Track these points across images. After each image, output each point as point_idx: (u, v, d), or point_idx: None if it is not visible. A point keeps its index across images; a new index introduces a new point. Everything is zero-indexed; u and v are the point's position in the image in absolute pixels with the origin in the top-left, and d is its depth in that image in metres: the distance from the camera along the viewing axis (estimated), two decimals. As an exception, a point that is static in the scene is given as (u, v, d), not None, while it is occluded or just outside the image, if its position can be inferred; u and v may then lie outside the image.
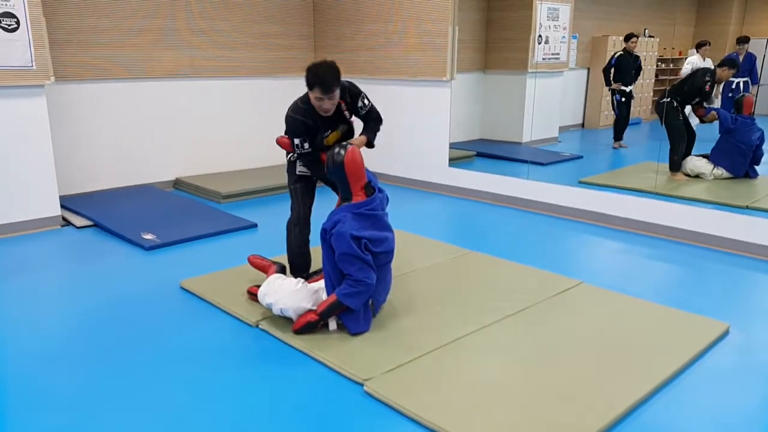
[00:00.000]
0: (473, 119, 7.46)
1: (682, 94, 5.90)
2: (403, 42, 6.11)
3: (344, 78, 3.25)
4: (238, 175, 6.38)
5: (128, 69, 5.70)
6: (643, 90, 8.15)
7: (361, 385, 2.56)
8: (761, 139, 5.73)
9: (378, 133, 3.47)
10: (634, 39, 7.30)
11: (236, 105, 6.56)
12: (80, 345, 2.95)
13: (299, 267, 3.52)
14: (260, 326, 3.09)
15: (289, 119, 3.27)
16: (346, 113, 3.36)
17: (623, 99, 7.36)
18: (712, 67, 5.93)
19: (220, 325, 3.15)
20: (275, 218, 5.08)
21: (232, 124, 6.56)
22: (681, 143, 5.86)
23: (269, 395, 2.52)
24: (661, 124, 6.17)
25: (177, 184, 6.15)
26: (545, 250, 4.44)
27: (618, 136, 7.45)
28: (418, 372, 2.64)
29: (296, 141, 3.25)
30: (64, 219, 4.86)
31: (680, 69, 7.10)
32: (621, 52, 7.39)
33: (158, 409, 2.41)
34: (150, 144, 5.96)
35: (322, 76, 3.05)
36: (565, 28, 7.43)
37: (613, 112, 7.53)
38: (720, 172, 5.80)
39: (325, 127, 3.30)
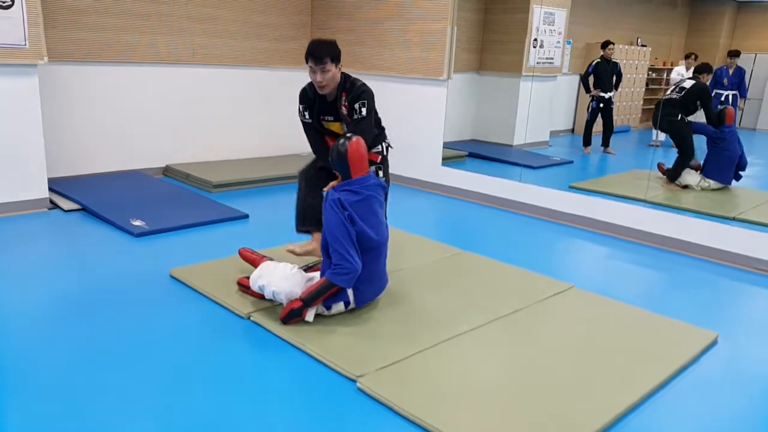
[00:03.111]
0: (465, 119, 7.48)
1: (687, 108, 5.96)
2: (402, 39, 6.09)
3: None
4: (229, 164, 6.33)
5: (123, 52, 5.63)
6: (633, 98, 8.22)
7: (354, 381, 2.55)
8: (742, 147, 5.88)
9: None
10: (611, 46, 7.38)
11: (230, 94, 6.50)
12: (67, 331, 2.90)
13: (309, 221, 3.65)
14: (252, 318, 3.06)
15: (301, 89, 3.52)
16: (343, 108, 3.36)
17: (600, 105, 7.42)
18: (702, 85, 6.00)
19: (210, 315, 3.12)
20: (267, 210, 5.08)
21: (225, 114, 6.50)
22: (690, 158, 5.94)
23: (260, 389, 2.50)
24: (674, 139, 6.23)
25: (167, 171, 6.09)
26: (536, 252, 4.46)
27: (586, 141, 7.52)
28: (411, 370, 2.64)
29: (300, 107, 3.52)
30: (51, 202, 4.79)
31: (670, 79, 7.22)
32: (598, 60, 7.46)
33: (146, 399, 2.38)
34: (141, 130, 5.89)
35: (315, 46, 3.23)
36: (560, 33, 7.46)
37: (596, 119, 7.59)
38: (707, 184, 5.89)
39: (324, 110, 3.42)
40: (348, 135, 3.07)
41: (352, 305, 3.07)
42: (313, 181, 3.62)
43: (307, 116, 3.50)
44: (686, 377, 2.76)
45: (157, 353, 2.72)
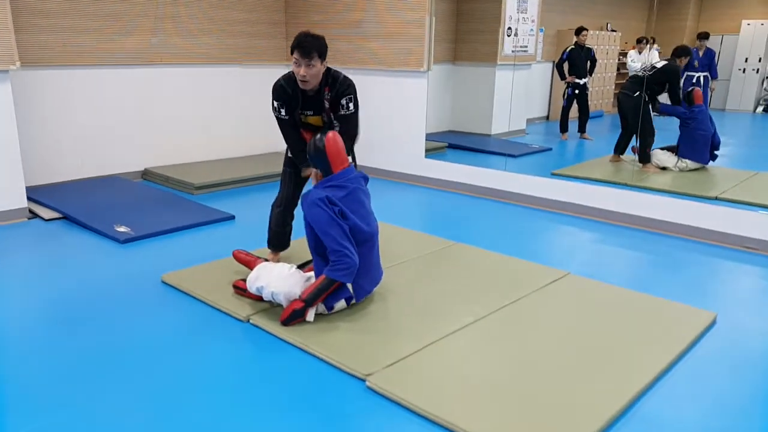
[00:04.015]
0: (442, 111, 7.47)
1: (652, 88, 6.01)
2: (379, 31, 6.04)
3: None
4: (209, 165, 6.23)
5: (95, 55, 5.48)
6: (605, 83, 8.30)
7: (363, 380, 2.52)
8: (714, 126, 5.96)
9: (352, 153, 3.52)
10: (584, 32, 7.42)
11: (206, 93, 6.39)
12: (59, 344, 2.80)
13: (275, 245, 3.69)
14: (251, 321, 3.01)
15: (275, 83, 3.37)
16: (326, 103, 3.32)
17: (576, 91, 7.47)
18: (675, 67, 6.07)
19: (208, 320, 3.06)
20: (252, 210, 5.00)
21: (202, 113, 6.39)
22: (651, 136, 6.01)
23: (266, 393, 2.46)
24: (622, 115, 6.31)
25: (145, 174, 5.96)
26: (526, 241, 4.48)
27: (563, 128, 7.58)
28: (420, 365, 2.62)
29: (274, 104, 3.37)
30: (30, 211, 4.65)
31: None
32: (572, 46, 7.50)
33: (148, 411, 2.32)
34: (117, 133, 5.75)
35: (302, 39, 3.14)
36: (533, 21, 7.49)
37: (572, 105, 7.64)
38: (684, 164, 5.97)
39: (305, 105, 3.35)
40: (324, 131, 3.07)
41: (353, 300, 3.04)
42: (292, 175, 3.55)
43: (283, 113, 3.37)
44: (691, 358, 2.80)
45: (155, 362, 2.66)
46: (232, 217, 4.70)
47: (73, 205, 4.72)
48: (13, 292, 3.40)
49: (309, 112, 3.39)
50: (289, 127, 3.44)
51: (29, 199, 4.71)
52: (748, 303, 3.45)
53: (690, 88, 6.14)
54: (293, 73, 3.24)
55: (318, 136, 3.01)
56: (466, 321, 3.01)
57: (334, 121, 3.37)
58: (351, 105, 3.32)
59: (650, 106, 6.01)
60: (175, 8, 5.96)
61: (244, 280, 3.18)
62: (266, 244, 3.74)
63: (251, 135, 6.86)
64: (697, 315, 3.16)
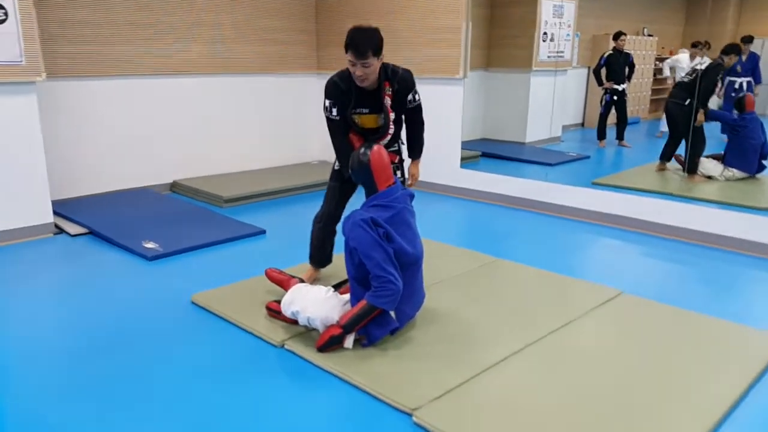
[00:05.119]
0: (475, 118, 7.25)
1: (698, 94, 5.74)
2: (414, 38, 5.84)
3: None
4: (239, 177, 6.08)
5: (122, 65, 5.38)
6: (641, 89, 8.04)
7: (409, 414, 2.32)
8: (765, 134, 5.68)
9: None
10: (623, 37, 7.20)
11: (235, 103, 6.26)
12: (87, 370, 2.65)
13: (317, 261, 3.53)
14: (286, 346, 2.83)
15: (328, 80, 3.17)
16: (387, 99, 3.12)
17: (614, 98, 7.24)
18: (719, 62, 5.78)
19: (240, 344, 2.89)
20: (284, 224, 4.84)
21: (232, 124, 6.26)
22: (702, 145, 5.73)
23: (306, 426, 2.27)
24: (671, 125, 6.05)
25: (174, 187, 5.84)
26: (570, 255, 4.25)
27: (601, 135, 7.35)
28: (470, 398, 2.41)
29: (326, 102, 3.15)
30: (56, 226, 4.54)
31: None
32: (611, 51, 7.29)
33: (187, 446, 2.15)
34: (145, 144, 5.64)
35: (356, 38, 2.93)
36: (569, 26, 7.26)
37: (610, 111, 7.39)
38: (731, 173, 5.70)
39: (361, 102, 3.13)
40: (368, 144, 2.85)
41: (398, 329, 2.84)
42: (337, 189, 3.37)
43: (334, 113, 3.13)
44: (764, 385, 2.55)
45: (188, 392, 2.48)
46: (263, 232, 4.54)
47: (99, 220, 4.60)
48: (37, 315, 3.25)
49: (364, 110, 3.15)
50: (339, 129, 3.19)
51: (55, 213, 4.61)
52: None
53: (742, 94, 5.87)
54: (347, 70, 3.06)
55: (362, 149, 2.80)
56: (515, 347, 2.79)
57: (390, 124, 3.17)
58: (417, 96, 3.24)
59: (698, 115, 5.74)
60: (205, 16, 5.84)
61: (278, 302, 3.00)
62: (307, 260, 3.57)
63: (281, 145, 6.71)
64: (763, 338, 2.91)
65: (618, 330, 3.03)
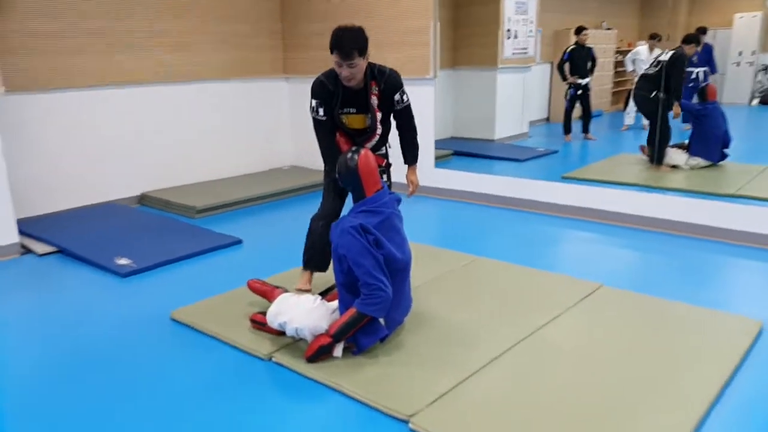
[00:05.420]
0: (444, 117, 7.26)
1: (672, 87, 5.82)
2: (383, 39, 5.81)
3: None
4: (210, 186, 5.96)
5: (84, 77, 5.22)
6: (603, 82, 8.18)
7: (405, 421, 2.30)
8: (727, 123, 5.81)
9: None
10: (585, 32, 7.32)
11: (201, 110, 6.12)
12: (64, 398, 2.54)
13: (316, 264, 3.32)
14: (274, 359, 2.78)
15: (315, 80, 3.15)
16: (374, 98, 3.09)
17: (579, 92, 7.34)
18: (681, 52, 5.88)
19: (226, 359, 2.82)
20: (260, 232, 4.76)
21: (199, 131, 6.13)
22: (670, 136, 5.84)
23: (303, 441, 2.23)
24: (647, 117, 6.16)
25: (143, 199, 5.70)
26: (548, 250, 4.29)
27: (567, 129, 7.46)
28: (465, 401, 2.40)
29: (312, 103, 3.14)
30: (22, 246, 4.38)
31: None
32: (573, 46, 7.41)
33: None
34: (111, 157, 5.48)
35: (341, 38, 2.89)
36: (532, 22, 7.33)
37: (575, 105, 7.49)
38: (695, 162, 5.81)
39: (347, 102, 3.10)
40: (356, 149, 2.81)
41: (387, 336, 2.81)
42: (335, 186, 3.27)
43: (321, 113, 3.11)
44: (746, 371, 2.60)
45: (174, 412, 2.41)
46: (240, 242, 4.46)
47: (68, 238, 4.46)
48: (5, 343, 3.12)
49: (352, 110, 3.13)
50: (326, 130, 3.17)
51: (21, 232, 4.44)
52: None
53: (705, 83, 5.99)
54: (333, 69, 3.03)
55: (349, 154, 2.76)
56: (504, 347, 2.79)
57: (378, 124, 3.15)
58: (405, 97, 3.20)
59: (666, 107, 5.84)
60: (162, 23, 5.71)
61: (263, 313, 2.95)
62: (291, 268, 3.46)
63: (251, 152, 6.60)
64: (743, 324, 2.98)
65: (603, 323, 3.05)
